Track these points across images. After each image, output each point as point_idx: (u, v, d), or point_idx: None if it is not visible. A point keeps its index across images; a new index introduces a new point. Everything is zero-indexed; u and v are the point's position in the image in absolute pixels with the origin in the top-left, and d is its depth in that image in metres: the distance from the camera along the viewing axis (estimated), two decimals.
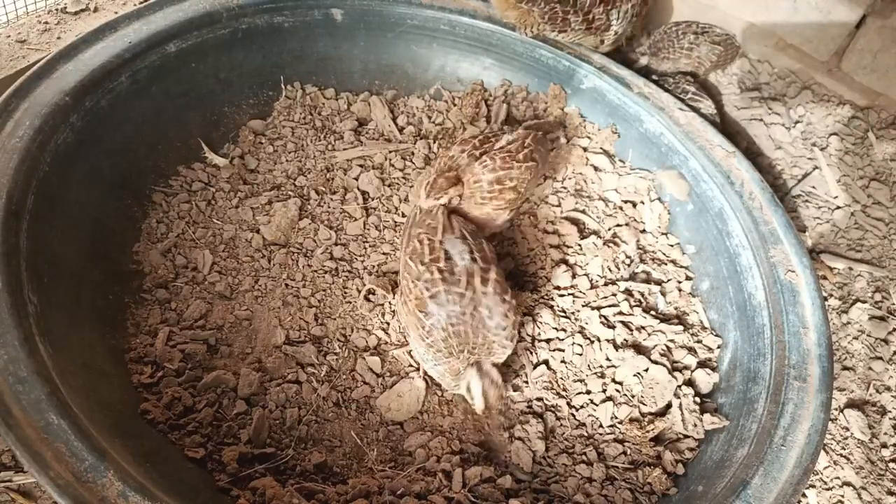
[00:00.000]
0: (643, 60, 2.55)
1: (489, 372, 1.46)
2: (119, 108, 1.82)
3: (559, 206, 2.10)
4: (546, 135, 2.10)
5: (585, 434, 1.66)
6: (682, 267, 2.01)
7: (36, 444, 1.16)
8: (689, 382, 1.75)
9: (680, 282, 1.96)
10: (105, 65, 1.77)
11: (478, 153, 1.76)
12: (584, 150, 2.22)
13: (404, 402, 1.63)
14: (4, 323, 1.28)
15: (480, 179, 1.72)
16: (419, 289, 1.47)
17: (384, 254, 1.91)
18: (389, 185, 2.08)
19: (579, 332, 1.81)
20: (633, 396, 1.71)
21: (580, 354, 1.76)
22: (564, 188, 2.14)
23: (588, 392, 1.71)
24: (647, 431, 1.64)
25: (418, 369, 1.69)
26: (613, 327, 1.82)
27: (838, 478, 1.69)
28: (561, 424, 1.67)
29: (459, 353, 1.46)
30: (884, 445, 1.77)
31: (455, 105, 2.31)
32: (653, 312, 1.87)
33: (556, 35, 2.13)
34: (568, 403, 1.70)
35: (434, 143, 2.20)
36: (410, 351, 1.70)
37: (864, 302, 2.02)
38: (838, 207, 2.26)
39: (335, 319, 1.77)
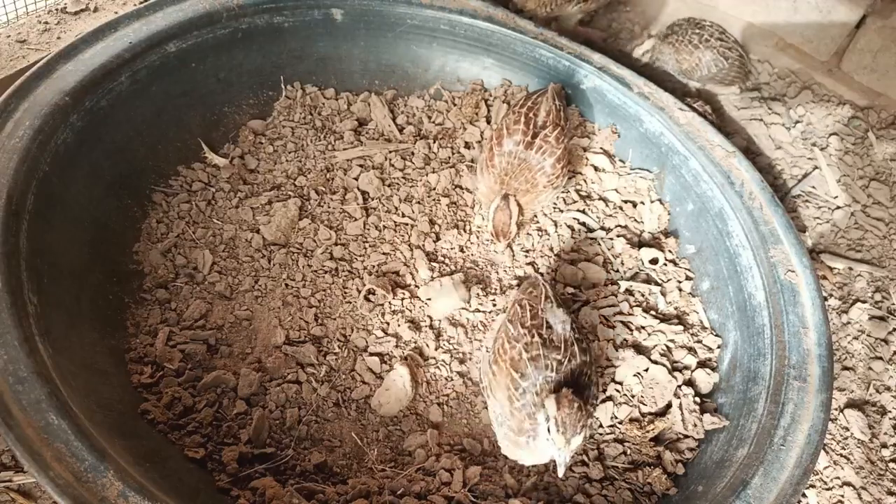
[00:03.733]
0: (647, 45, 2.53)
1: (571, 403, 1.34)
2: (119, 108, 1.82)
3: (559, 206, 2.10)
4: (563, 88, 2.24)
5: (585, 434, 1.66)
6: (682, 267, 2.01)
7: (36, 444, 1.16)
8: (689, 382, 1.75)
9: (680, 282, 1.96)
10: (105, 65, 1.77)
11: (529, 138, 1.83)
12: (584, 150, 2.22)
13: (392, 394, 1.63)
14: (4, 323, 1.28)
15: (543, 166, 1.81)
16: (517, 350, 1.45)
17: (384, 254, 1.91)
18: (389, 185, 2.08)
19: None
20: (633, 396, 1.71)
21: None
22: (564, 188, 2.14)
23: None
24: (647, 431, 1.64)
25: (404, 359, 1.69)
26: (613, 327, 1.82)
27: (838, 478, 1.69)
28: None
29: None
30: (884, 445, 1.77)
31: (455, 105, 2.31)
32: (653, 312, 1.87)
33: (573, 7, 2.39)
34: None
35: (434, 143, 2.20)
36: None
37: (864, 302, 2.02)
38: (838, 207, 2.26)
39: (335, 319, 1.77)
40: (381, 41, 2.27)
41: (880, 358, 1.92)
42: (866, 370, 1.90)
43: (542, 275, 1.89)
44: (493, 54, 2.30)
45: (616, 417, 1.68)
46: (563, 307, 1.56)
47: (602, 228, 2.06)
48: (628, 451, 1.63)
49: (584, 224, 2.06)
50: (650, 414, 1.69)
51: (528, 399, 1.38)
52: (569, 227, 2.04)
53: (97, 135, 1.76)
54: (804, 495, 1.66)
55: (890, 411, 1.83)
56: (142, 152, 1.91)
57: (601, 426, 1.66)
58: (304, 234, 1.92)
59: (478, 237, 1.99)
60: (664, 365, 1.73)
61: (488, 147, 1.90)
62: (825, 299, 1.86)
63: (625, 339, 1.80)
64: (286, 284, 1.81)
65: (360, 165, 2.10)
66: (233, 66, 2.10)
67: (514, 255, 1.96)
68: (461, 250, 1.96)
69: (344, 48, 2.26)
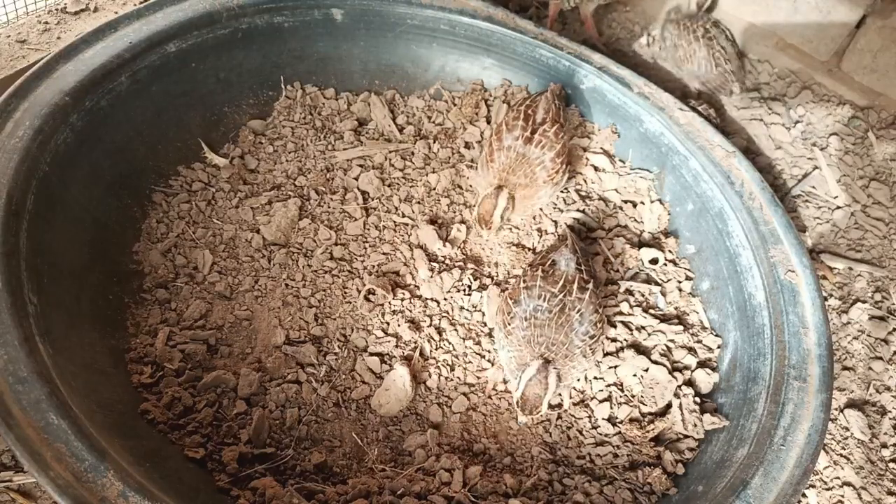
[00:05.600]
0: (654, 32, 2.51)
1: (548, 375, 1.43)
2: (119, 108, 1.82)
3: (559, 206, 2.10)
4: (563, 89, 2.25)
5: (586, 434, 1.66)
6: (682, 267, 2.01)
7: (36, 444, 1.16)
8: (689, 382, 1.75)
9: (680, 282, 1.96)
10: (105, 65, 1.77)
11: (528, 133, 1.83)
12: (584, 150, 2.22)
13: (392, 394, 1.63)
14: (4, 323, 1.28)
15: (543, 160, 1.81)
16: (518, 282, 1.59)
17: (384, 254, 1.91)
18: (389, 185, 2.08)
19: None
20: (633, 396, 1.71)
21: None
22: (565, 188, 2.14)
23: (588, 392, 1.71)
24: (647, 431, 1.64)
25: (404, 359, 1.69)
26: (614, 327, 1.82)
27: (838, 478, 1.69)
28: (562, 424, 1.67)
29: (537, 346, 1.47)
30: (884, 445, 1.77)
31: (455, 105, 2.31)
32: (653, 312, 1.87)
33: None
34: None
35: (434, 143, 2.20)
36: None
37: (864, 302, 2.02)
38: (838, 207, 2.26)
39: (335, 319, 1.77)
40: (381, 41, 2.27)
41: (880, 358, 1.92)
42: (866, 370, 1.90)
43: (573, 229, 1.97)
44: (493, 54, 2.30)
45: (616, 417, 1.68)
46: (573, 250, 1.65)
47: (602, 228, 2.06)
48: (628, 451, 1.63)
49: (584, 224, 2.06)
50: (650, 414, 1.69)
51: (516, 323, 1.50)
52: (569, 227, 2.04)
53: (97, 135, 1.76)
54: (804, 495, 1.66)
55: (890, 411, 1.83)
56: (142, 152, 1.91)
57: (601, 426, 1.67)
58: (304, 234, 1.92)
59: (479, 237, 2.00)
60: (664, 365, 1.73)
61: (488, 144, 1.90)
62: (825, 299, 1.86)
63: (625, 339, 1.80)
64: (286, 284, 1.81)
65: (360, 165, 2.10)
66: (233, 66, 2.11)
67: (514, 255, 1.96)
68: (462, 250, 1.96)
69: (344, 48, 2.26)
